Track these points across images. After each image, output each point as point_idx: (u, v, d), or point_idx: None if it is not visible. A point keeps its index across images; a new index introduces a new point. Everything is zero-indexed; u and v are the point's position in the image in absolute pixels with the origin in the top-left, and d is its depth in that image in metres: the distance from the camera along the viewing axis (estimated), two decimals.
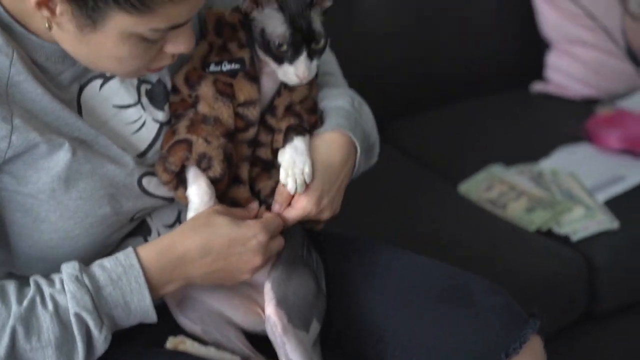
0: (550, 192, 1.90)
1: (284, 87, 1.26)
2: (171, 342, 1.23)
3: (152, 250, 1.13)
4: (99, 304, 1.08)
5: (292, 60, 1.19)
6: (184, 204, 1.22)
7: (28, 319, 1.07)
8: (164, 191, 1.23)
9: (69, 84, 1.18)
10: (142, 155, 1.22)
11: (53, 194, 1.14)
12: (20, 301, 1.07)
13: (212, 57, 1.23)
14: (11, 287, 1.09)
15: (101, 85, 1.20)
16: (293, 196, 1.23)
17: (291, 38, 1.19)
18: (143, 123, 1.22)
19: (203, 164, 1.18)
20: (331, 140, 1.25)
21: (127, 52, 1.10)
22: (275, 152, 1.25)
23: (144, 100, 1.23)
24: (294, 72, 1.20)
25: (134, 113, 1.22)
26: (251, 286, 1.28)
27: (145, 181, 1.21)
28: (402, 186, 1.98)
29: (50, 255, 1.17)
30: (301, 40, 1.19)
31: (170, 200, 1.24)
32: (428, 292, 1.27)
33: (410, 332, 1.24)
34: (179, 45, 1.13)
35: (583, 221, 1.82)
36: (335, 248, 1.37)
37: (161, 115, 1.24)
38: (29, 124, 1.11)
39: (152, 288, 1.11)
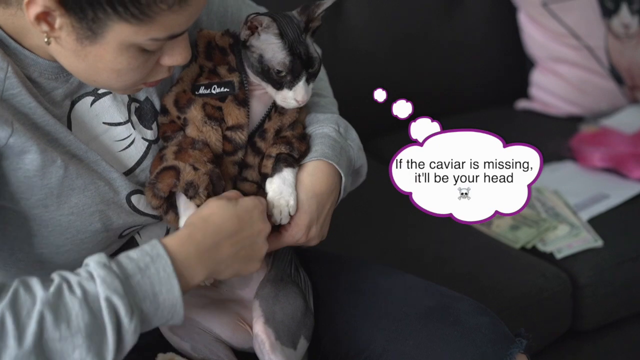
0: (535, 210, 1.92)
1: (274, 110, 1.26)
2: (161, 358, 1.22)
3: (175, 240, 1.10)
4: (128, 291, 1.02)
5: (291, 85, 1.20)
6: (175, 227, 1.22)
7: (56, 305, 0.99)
8: (153, 210, 1.23)
9: (62, 100, 1.18)
10: (129, 172, 1.22)
11: (46, 209, 1.14)
12: (46, 288, 1.01)
13: (202, 80, 1.24)
14: (33, 279, 1.03)
15: (92, 102, 1.21)
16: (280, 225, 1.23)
17: (291, 65, 1.19)
18: (132, 141, 1.23)
19: (190, 192, 1.18)
20: (316, 170, 1.25)
21: (126, 64, 1.10)
22: (263, 176, 1.25)
23: (134, 118, 1.24)
24: (293, 96, 1.20)
25: (123, 131, 1.23)
26: (240, 304, 1.28)
27: (134, 199, 1.21)
28: (388, 202, 1.98)
29: (39, 271, 1.16)
30: (300, 67, 1.20)
31: (160, 218, 1.24)
32: (415, 311, 1.28)
33: (396, 352, 1.24)
34: (175, 57, 1.14)
35: (567, 239, 1.83)
36: (323, 267, 1.38)
37: (149, 134, 1.25)
38: (27, 132, 1.11)
39: (180, 278, 1.06)
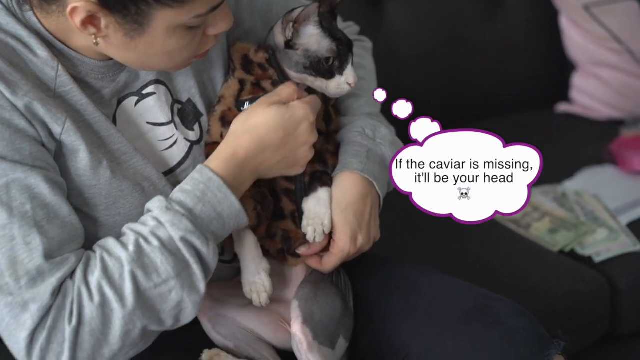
0: (574, 213, 1.92)
1: None
2: (207, 355, 1.25)
3: (219, 161, 1.17)
4: (196, 223, 1.12)
5: (341, 70, 1.23)
6: (229, 249, 1.27)
7: (141, 260, 1.09)
8: None
9: (109, 99, 1.21)
10: (170, 172, 1.25)
11: (95, 209, 1.17)
12: (126, 247, 1.10)
13: (245, 95, 1.25)
14: (110, 240, 1.12)
15: (137, 102, 1.23)
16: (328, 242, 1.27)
17: (338, 49, 1.22)
18: (175, 141, 1.25)
19: None
20: (342, 181, 1.27)
21: (176, 45, 1.13)
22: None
23: (176, 119, 1.26)
24: (345, 80, 1.23)
25: (166, 131, 1.25)
26: (280, 304, 1.30)
27: None
28: None
29: None
30: (346, 50, 1.22)
31: None
32: (454, 313, 1.28)
33: (435, 352, 1.25)
34: (220, 25, 1.17)
35: (606, 243, 1.83)
36: (363, 268, 1.39)
37: (191, 135, 1.27)
38: (78, 131, 1.14)
39: (234, 191, 1.15)
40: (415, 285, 1.34)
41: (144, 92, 1.24)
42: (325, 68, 1.23)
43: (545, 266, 1.79)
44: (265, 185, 1.25)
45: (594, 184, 2.01)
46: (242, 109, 1.24)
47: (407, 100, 2.13)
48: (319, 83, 1.24)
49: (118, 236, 1.14)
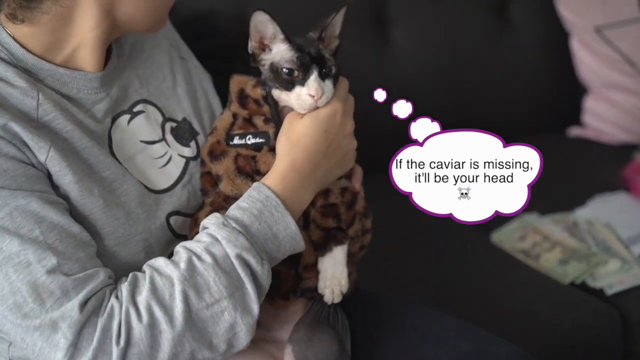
0: (586, 243, 1.87)
1: None
2: None
3: (276, 178, 1.15)
4: (252, 241, 1.09)
5: (302, 82, 1.19)
6: None
7: (193, 279, 1.06)
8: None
9: (103, 116, 1.20)
10: (170, 189, 1.23)
11: (94, 238, 1.13)
12: (177, 266, 1.07)
13: (236, 129, 1.24)
14: (160, 259, 1.10)
15: (129, 120, 1.23)
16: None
17: (299, 60, 1.18)
18: (169, 158, 1.25)
19: None
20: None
21: None
22: (314, 243, 1.23)
23: (169, 137, 1.26)
24: (307, 92, 1.18)
25: (159, 148, 1.25)
26: (275, 345, 1.27)
27: (173, 220, 1.21)
28: (433, 233, 1.94)
29: None
30: (309, 61, 1.19)
31: None
32: (450, 355, 1.25)
33: None
34: None
35: (619, 274, 1.78)
36: (362, 307, 1.36)
37: (187, 151, 1.27)
38: (63, 160, 1.12)
39: (292, 211, 1.14)
40: (413, 326, 1.32)
41: (135, 109, 1.24)
42: (286, 79, 1.19)
43: (555, 299, 1.73)
44: None
45: (606, 212, 1.95)
46: (230, 143, 1.23)
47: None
48: (284, 97, 1.21)
49: (119, 268, 1.12)
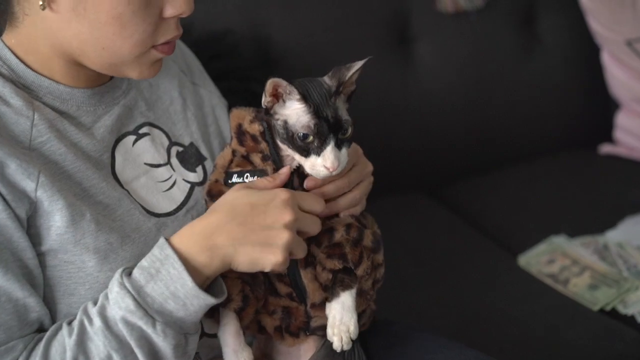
0: (616, 267, 1.80)
1: None
2: None
3: (182, 236, 1.10)
4: (143, 302, 1.06)
5: (319, 151, 1.13)
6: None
7: (83, 344, 1.05)
8: None
9: (104, 135, 1.18)
10: (172, 213, 1.21)
11: (83, 266, 1.12)
12: (70, 332, 1.06)
13: (234, 167, 1.20)
14: (64, 322, 1.09)
15: (134, 142, 1.22)
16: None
17: (316, 128, 1.13)
18: (174, 182, 1.23)
19: (224, 302, 1.15)
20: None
21: (125, 4, 1.07)
22: (323, 286, 1.19)
23: (174, 161, 1.25)
24: (322, 163, 1.13)
25: (164, 172, 1.23)
26: None
27: None
28: (458, 254, 1.90)
29: None
30: (327, 130, 1.13)
31: None
32: None
33: None
34: (178, 5, 1.12)
35: None
36: (380, 338, 1.32)
37: (192, 176, 1.25)
38: (55, 184, 1.10)
39: (192, 271, 1.08)
40: (429, 358, 1.26)
41: (141, 131, 1.23)
42: (301, 145, 1.14)
43: (584, 326, 1.67)
44: None
45: (638, 234, 1.88)
46: (229, 181, 1.19)
47: (437, 141, 2.08)
48: (297, 158, 1.16)
49: None
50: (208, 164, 1.28)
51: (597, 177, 2.13)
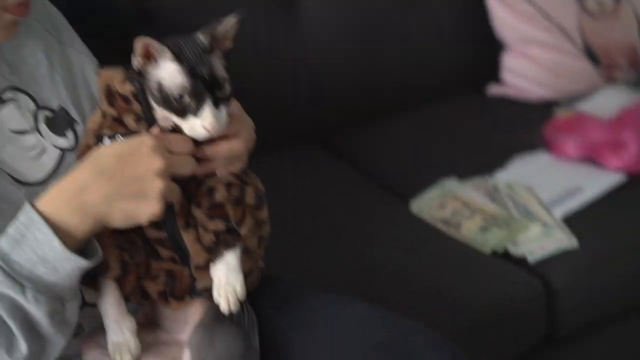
0: (506, 208, 1.81)
1: None
2: None
3: (46, 198, 1.05)
4: (11, 270, 1.02)
5: (196, 112, 1.09)
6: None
7: None
8: None
9: None
10: (43, 181, 1.16)
11: None
12: None
13: (105, 130, 1.14)
14: None
15: None
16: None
17: (192, 87, 1.08)
18: (43, 149, 1.18)
19: (102, 271, 1.11)
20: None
21: None
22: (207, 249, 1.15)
23: (42, 127, 1.19)
24: (201, 123, 1.09)
25: (31, 139, 1.17)
26: (178, 347, 1.19)
27: None
28: (350, 203, 1.89)
29: None
30: (204, 89, 1.08)
31: None
32: (364, 346, 1.19)
33: None
34: None
35: (540, 240, 1.73)
36: (270, 298, 1.30)
37: (63, 142, 1.20)
38: None
39: (62, 234, 1.03)
40: (324, 317, 1.25)
41: (3, 96, 1.16)
42: (178, 107, 1.09)
43: (476, 270, 1.69)
44: (136, 233, 1.13)
45: (527, 174, 1.90)
46: (100, 145, 1.13)
47: (327, 93, 2.06)
48: (175, 120, 1.11)
49: None
50: (79, 128, 1.22)
51: (486, 119, 2.14)
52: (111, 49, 1.58)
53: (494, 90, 2.24)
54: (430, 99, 2.18)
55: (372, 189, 1.94)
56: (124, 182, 1.05)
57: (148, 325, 1.21)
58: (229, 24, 1.12)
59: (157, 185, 1.06)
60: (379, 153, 2.06)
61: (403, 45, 2.16)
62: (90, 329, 1.19)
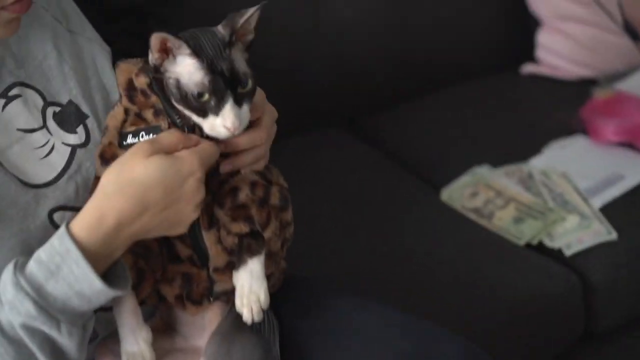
0: (541, 197, 1.73)
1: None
2: None
3: (83, 227, 0.99)
4: (45, 303, 0.97)
5: (217, 110, 1.02)
6: None
7: None
8: None
9: None
10: (54, 181, 1.11)
11: None
12: None
13: (127, 127, 1.08)
14: None
15: (4, 106, 1.10)
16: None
17: (211, 84, 1.01)
18: (52, 147, 1.12)
19: None
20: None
21: None
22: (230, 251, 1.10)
23: (51, 123, 1.13)
24: (222, 123, 1.02)
25: (40, 137, 1.12)
26: (195, 355, 1.15)
27: (58, 217, 1.08)
28: (375, 189, 1.82)
29: None
30: (224, 85, 1.02)
31: None
32: (389, 355, 1.15)
33: None
34: None
35: (577, 232, 1.65)
36: (292, 303, 1.24)
37: (73, 138, 1.14)
38: None
39: (96, 264, 0.98)
40: (348, 323, 1.20)
41: (10, 93, 1.11)
42: (197, 105, 1.03)
43: (509, 262, 1.62)
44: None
45: (562, 159, 1.82)
46: (124, 143, 1.08)
47: (354, 70, 1.98)
48: (195, 119, 1.05)
49: None
50: (90, 123, 1.16)
51: (520, 100, 2.06)
52: (130, 34, 1.54)
53: (528, 69, 2.16)
54: (460, 78, 2.10)
55: (399, 173, 1.87)
56: (166, 216, 1.01)
57: (165, 330, 1.17)
58: (250, 14, 1.05)
59: (194, 217, 1.04)
60: (407, 135, 1.98)
61: (433, 21, 2.08)
62: (105, 335, 1.15)
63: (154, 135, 1.06)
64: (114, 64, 1.15)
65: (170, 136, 1.03)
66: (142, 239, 1.03)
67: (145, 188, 0.99)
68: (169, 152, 1.02)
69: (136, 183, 0.99)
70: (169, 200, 1.00)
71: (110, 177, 1.01)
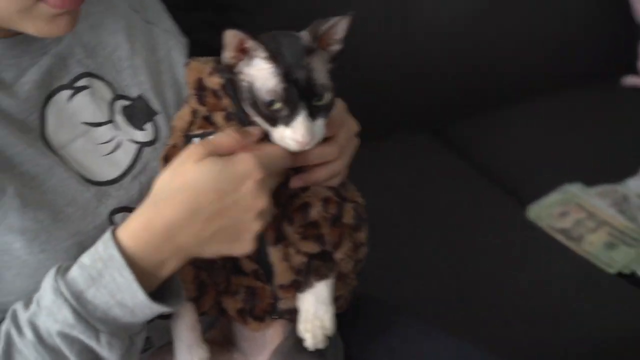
0: (637, 222, 1.65)
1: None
2: None
3: (129, 233, 0.94)
4: (84, 311, 0.93)
5: (288, 121, 0.96)
6: None
7: (11, 358, 0.94)
8: None
9: (31, 93, 1.04)
10: (118, 180, 1.07)
11: (8, 247, 0.98)
12: None
13: (194, 129, 1.03)
14: None
15: (70, 97, 1.07)
16: None
17: (285, 93, 0.95)
18: (118, 144, 1.09)
19: None
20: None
21: None
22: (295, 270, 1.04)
23: (119, 118, 1.09)
24: (291, 135, 0.96)
25: (105, 132, 1.08)
26: None
27: (119, 219, 1.04)
28: (457, 202, 1.75)
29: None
30: (298, 96, 0.95)
31: None
32: None
33: None
34: None
35: None
36: (360, 323, 1.20)
37: (140, 135, 1.10)
38: None
39: (143, 276, 0.93)
40: (412, 352, 1.16)
41: (77, 84, 1.08)
42: (267, 113, 0.96)
43: (597, 293, 1.55)
44: None
45: None
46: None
47: (440, 73, 1.91)
48: (265, 127, 0.99)
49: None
50: (160, 119, 1.12)
51: (618, 114, 1.97)
52: (210, 25, 1.49)
53: (629, 81, 2.09)
54: (556, 88, 2.02)
55: (483, 186, 1.80)
56: (221, 225, 0.94)
57: (223, 343, 1.13)
58: (333, 22, 0.98)
59: (255, 228, 0.95)
60: (494, 145, 1.92)
61: (528, 27, 2.01)
62: (160, 345, 1.11)
63: None
64: (190, 56, 1.10)
65: (225, 137, 0.96)
66: (198, 255, 0.97)
67: (196, 193, 0.93)
68: (224, 154, 0.95)
69: (187, 188, 0.93)
70: (223, 205, 0.93)
71: (162, 183, 0.95)
